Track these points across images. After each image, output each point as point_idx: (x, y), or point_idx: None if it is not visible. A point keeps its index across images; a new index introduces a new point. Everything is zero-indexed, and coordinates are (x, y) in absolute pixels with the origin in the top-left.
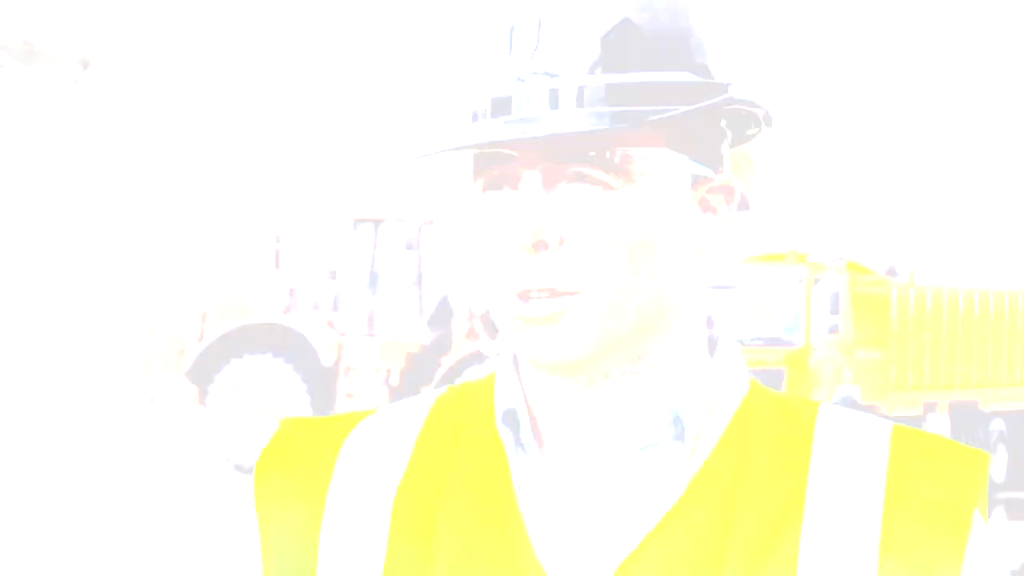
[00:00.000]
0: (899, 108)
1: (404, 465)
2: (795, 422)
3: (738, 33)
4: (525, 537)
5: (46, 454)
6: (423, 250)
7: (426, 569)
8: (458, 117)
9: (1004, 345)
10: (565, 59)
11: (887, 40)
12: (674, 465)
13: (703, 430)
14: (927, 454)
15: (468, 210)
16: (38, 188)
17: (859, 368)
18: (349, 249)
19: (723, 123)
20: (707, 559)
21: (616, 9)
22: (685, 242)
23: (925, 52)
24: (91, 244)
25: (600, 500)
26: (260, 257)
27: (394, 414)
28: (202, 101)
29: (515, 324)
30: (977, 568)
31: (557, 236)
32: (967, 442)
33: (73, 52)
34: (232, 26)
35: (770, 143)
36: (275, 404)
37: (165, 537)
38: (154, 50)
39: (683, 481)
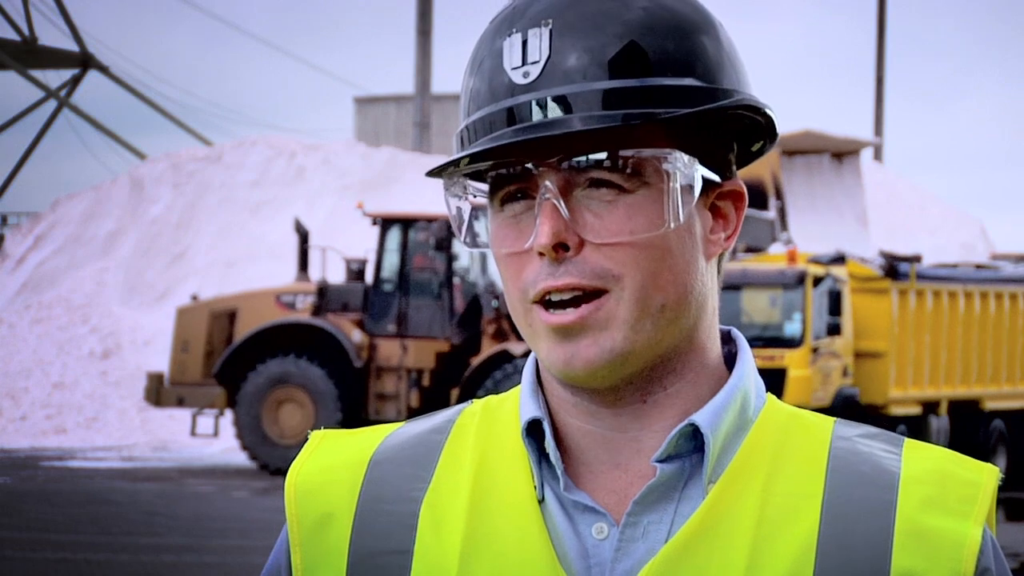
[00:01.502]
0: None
1: (431, 477)
2: (811, 438)
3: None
4: (548, 546)
5: (79, 455)
6: (453, 250)
7: None
8: (471, 129)
9: (1004, 345)
10: (573, 71)
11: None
12: (694, 476)
13: (723, 443)
14: (939, 470)
15: (491, 227)
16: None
17: (859, 368)
18: (379, 249)
19: (728, 132)
20: (724, 571)
21: (622, 32)
22: (699, 245)
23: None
24: (118, 245)
25: (622, 510)
26: (289, 258)
27: (422, 426)
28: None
29: (544, 335)
30: None
31: (576, 239)
32: (967, 442)
33: (73, 52)
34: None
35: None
36: (304, 406)
37: (190, 538)
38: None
39: (703, 492)
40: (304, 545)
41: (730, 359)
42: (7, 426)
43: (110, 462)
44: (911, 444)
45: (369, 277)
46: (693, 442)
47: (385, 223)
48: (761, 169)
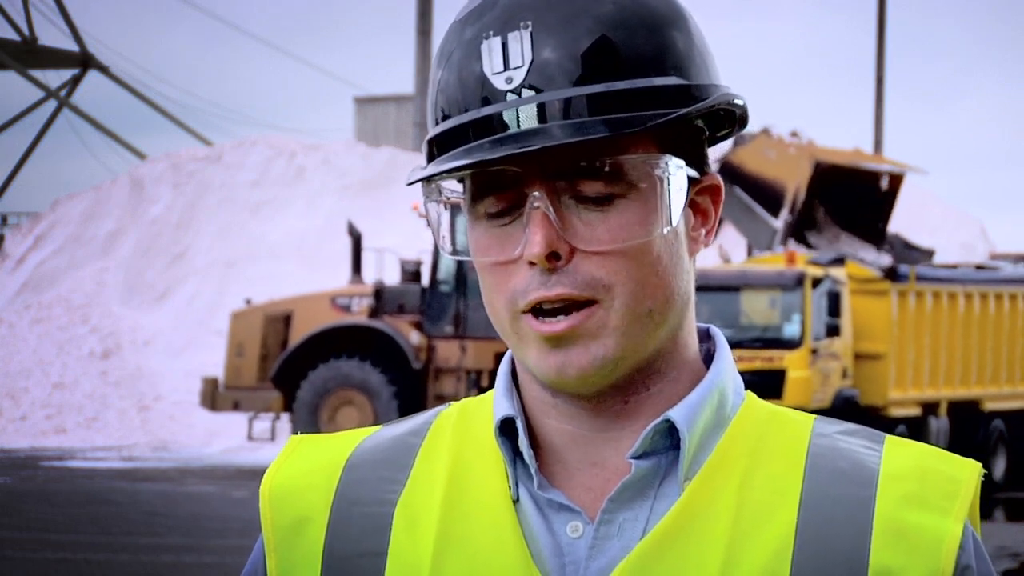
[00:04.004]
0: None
1: (406, 479)
2: (790, 435)
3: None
4: (522, 545)
5: (79, 455)
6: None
7: None
8: (450, 136)
9: (1004, 346)
10: (548, 76)
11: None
12: (670, 473)
13: (700, 440)
14: (919, 466)
15: (472, 235)
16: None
17: (859, 370)
18: (435, 251)
19: (700, 123)
20: (700, 568)
21: (593, 28)
22: (683, 244)
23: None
24: (118, 245)
25: (598, 508)
26: (344, 259)
27: (398, 429)
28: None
29: (534, 344)
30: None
31: (567, 248)
32: (967, 443)
33: (73, 52)
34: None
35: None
36: (362, 408)
37: (190, 538)
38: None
39: (679, 489)
40: (279, 550)
41: (708, 357)
42: (7, 426)
43: (110, 462)
44: (892, 441)
45: (425, 278)
46: (669, 439)
47: None
48: (788, 177)
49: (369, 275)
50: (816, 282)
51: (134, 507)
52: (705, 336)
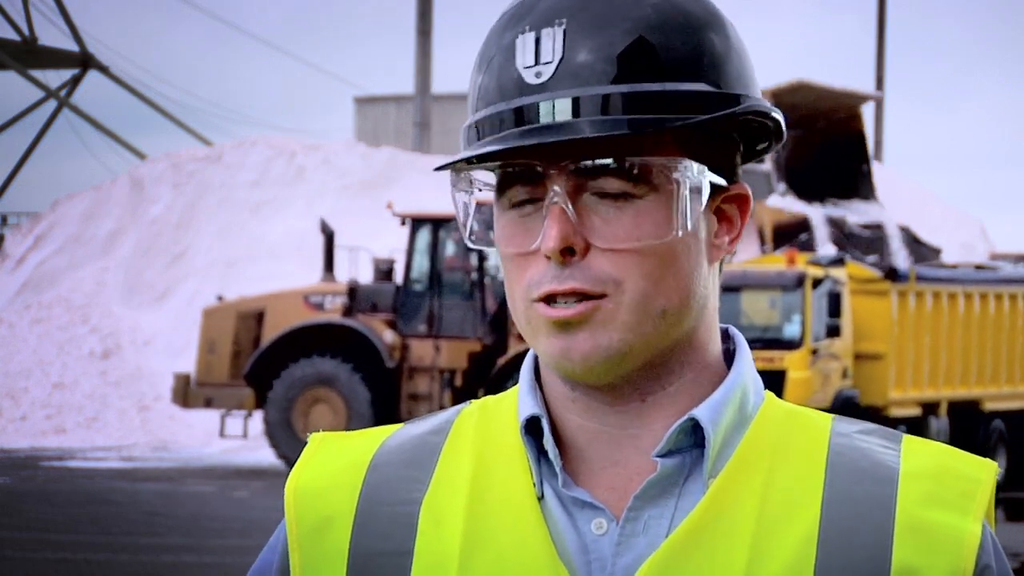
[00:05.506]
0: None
1: (430, 478)
2: (810, 434)
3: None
4: (548, 542)
5: (79, 455)
6: (485, 250)
7: None
8: (479, 126)
9: (1004, 346)
10: (584, 73)
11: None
12: (695, 471)
13: (724, 439)
14: (938, 465)
15: (498, 225)
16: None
17: (859, 370)
18: (408, 249)
19: (735, 135)
20: (727, 565)
21: (631, 28)
22: (703, 250)
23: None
24: (118, 245)
25: (622, 506)
26: (318, 257)
27: (420, 428)
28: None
29: (543, 329)
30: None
31: (583, 243)
32: (967, 443)
33: (73, 52)
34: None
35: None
36: (335, 407)
37: (190, 538)
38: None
39: (704, 487)
40: (303, 547)
41: (728, 356)
42: (7, 426)
43: (110, 462)
44: (910, 440)
45: (399, 277)
46: (693, 437)
47: (415, 223)
48: None
49: (343, 273)
50: (816, 282)
51: (134, 507)
52: (725, 336)
